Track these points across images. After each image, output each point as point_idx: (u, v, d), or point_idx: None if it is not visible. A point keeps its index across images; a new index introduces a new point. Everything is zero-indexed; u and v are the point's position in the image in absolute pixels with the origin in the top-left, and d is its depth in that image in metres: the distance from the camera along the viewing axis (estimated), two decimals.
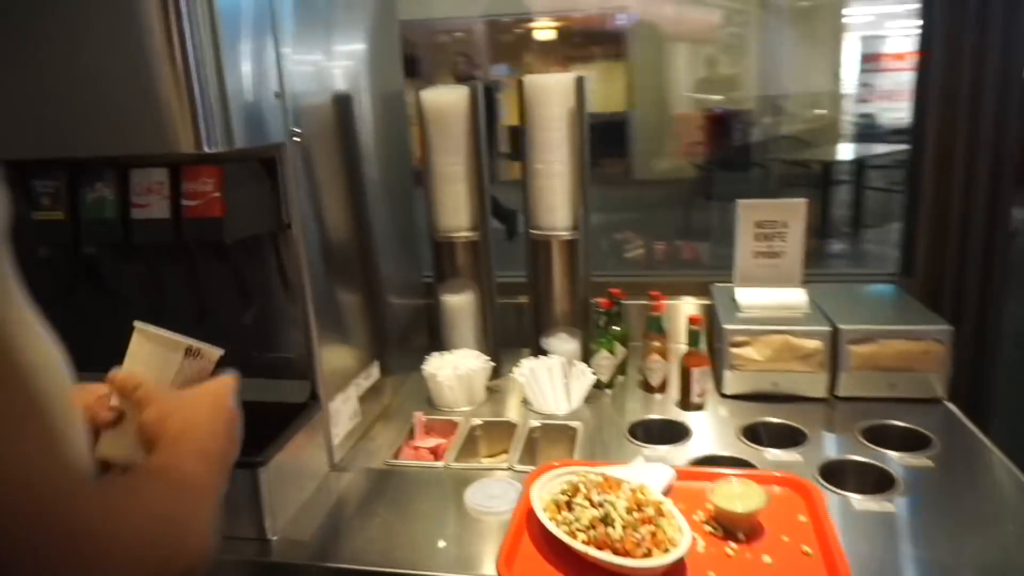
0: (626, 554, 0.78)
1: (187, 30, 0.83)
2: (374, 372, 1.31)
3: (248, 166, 0.98)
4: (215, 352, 0.64)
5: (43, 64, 0.88)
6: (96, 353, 0.62)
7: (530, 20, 5.07)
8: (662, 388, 1.36)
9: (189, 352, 0.61)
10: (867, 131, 5.44)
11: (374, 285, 1.33)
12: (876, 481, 1.04)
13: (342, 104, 1.20)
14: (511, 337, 1.52)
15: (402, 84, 1.48)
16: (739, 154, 4.64)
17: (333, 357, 1.15)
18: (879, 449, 1.11)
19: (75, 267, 1.05)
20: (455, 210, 1.40)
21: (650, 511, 0.83)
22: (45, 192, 0.96)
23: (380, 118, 1.35)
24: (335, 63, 1.19)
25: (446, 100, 1.35)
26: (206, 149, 0.87)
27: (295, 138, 1.03)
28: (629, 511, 0.82)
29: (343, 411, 1.18)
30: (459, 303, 1.44)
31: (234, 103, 0.90)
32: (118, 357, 0.62)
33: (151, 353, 0.61)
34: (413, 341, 1.53)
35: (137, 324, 0.61)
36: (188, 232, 0.93)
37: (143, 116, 0.86)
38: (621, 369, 1.39)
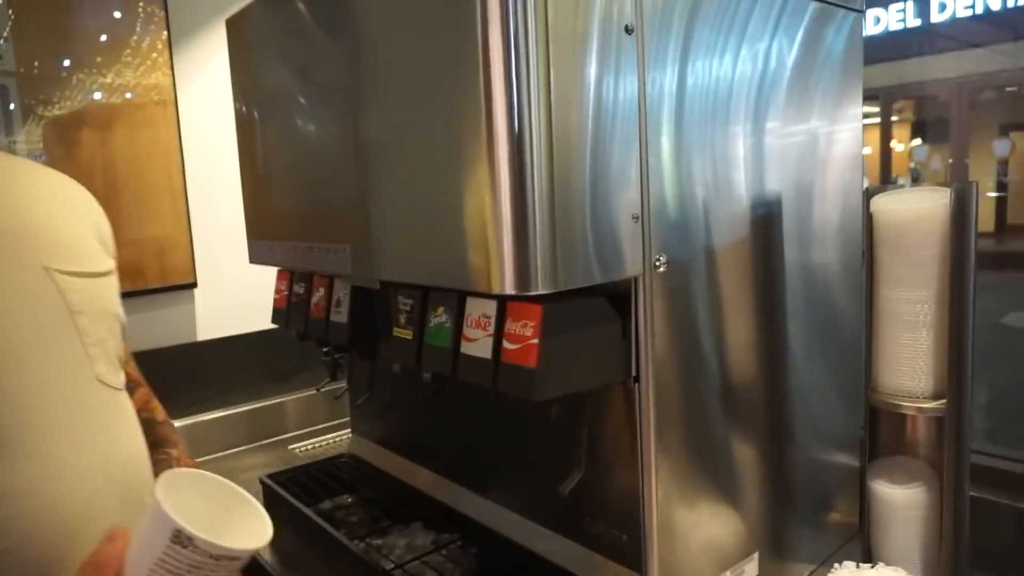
0: None
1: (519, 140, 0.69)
2: (749, 569, 0.97)
3: (587, 304, 0.79)
4: (219, 548, 0.49)
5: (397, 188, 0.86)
6: None
7: None
8: None
9: (178, 538, 0.48)
10: None
11: (774, 449, 0.99)
12: None
13: (758, 217, 0.91)
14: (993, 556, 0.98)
15: (860, 181, 1.10)
16: None
17: (683, 546, 0.87)
18: None
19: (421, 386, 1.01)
20: (911, 366, 0.95)
21: None
22: (403, 309, 0.93)
23: (822, 231, 1.01)
24: (755, 158, 0.91)
25: (912, 209, 0.93)
26: (509, 290, 0.71)
27: (658, 267, 0.79)
28: None
29: None
30: (900, 498, 0.99)
31: (565, 233, 0.72)
32: None
33: (148, 518, 0.52)
34: (826, 518, 1.11)
35: (166, 475, 0.53)
36: (502, 380, 0.78)
37: (464, 244, 0.75)
38: None
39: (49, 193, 0.73)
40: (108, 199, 1.53)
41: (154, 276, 1.62)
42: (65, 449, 0.60)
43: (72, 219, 0.73)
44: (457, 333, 0.84)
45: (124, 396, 0.71)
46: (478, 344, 0.81)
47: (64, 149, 1.50)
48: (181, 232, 1.64)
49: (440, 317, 0.87)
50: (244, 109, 1.21)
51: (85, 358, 0.65)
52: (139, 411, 0.78)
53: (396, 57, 0.83)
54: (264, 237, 1.19)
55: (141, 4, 1.56)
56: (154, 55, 1.58)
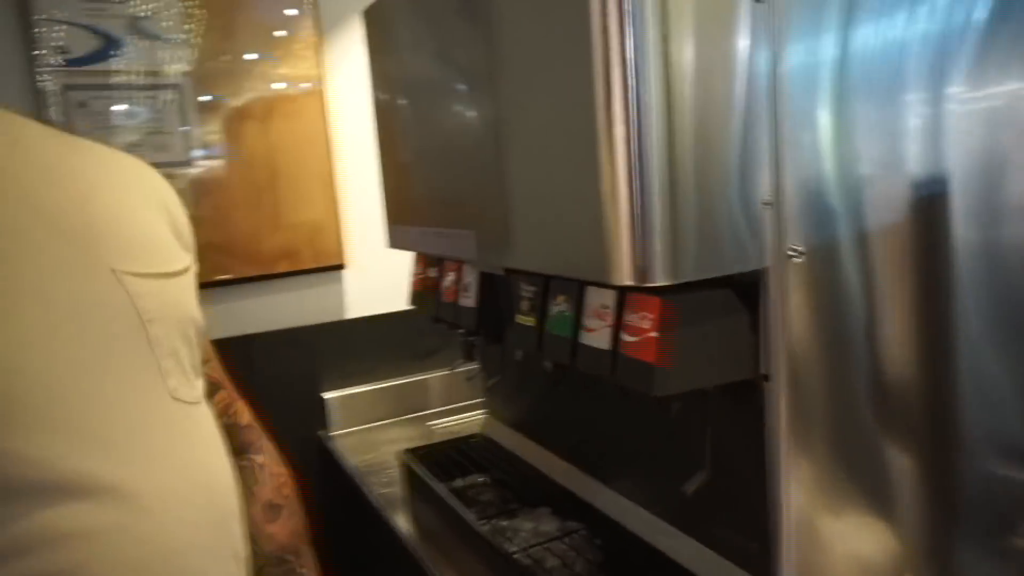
0: None
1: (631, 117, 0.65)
2: None
3: (712, 297, 0.74)
4: None
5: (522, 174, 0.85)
6: None
7: None
8: None
9: None
10: None
11: (939, 458, 0.88)
12: None
13: (929, 195, 0.81)
14: None
15: None
16: None
17: (822, 560, 0.80)
18: None
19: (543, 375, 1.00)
20: None
21: None
22: (526, 296, 0.92)
23: (1018, 208, 0.88)
24: (931, 128, 0.80)
25: None
26: (626, 281, 0.68)
27: (794, 258, 0.73)
28: None
29: None
30: None
31: (686, 221, 0.68)
32: None
33: None
34: (1007, 543, 0.98)
35: None
36: (621, 373, 0.75)
37: (581, 232, 0.73)
38: None
39: (115, 179, 0.63)
40: (269, 186, 1.67)
41: (307, 258, 1.73)
42: (150, 479, 0.51)
43: (141, 209, 0.63)
44: (577, 322, 0.82)
45: (201, 410, 0.62)
46: (598, 335, 0.79)
47: (231, 140, 1.63)
48: (332, 217, 1.74)
49: (561, 306, 0.86)
50: (381, 98, 1.25)
51: (158, 373, 0.56)
52: (220, 415, 0.71)
53: (515, 39, 0.82)
54: (400, 222, 1.23)
55: (295, 4, 1.65)
56: (305, 47, 1.68)
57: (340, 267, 1.77)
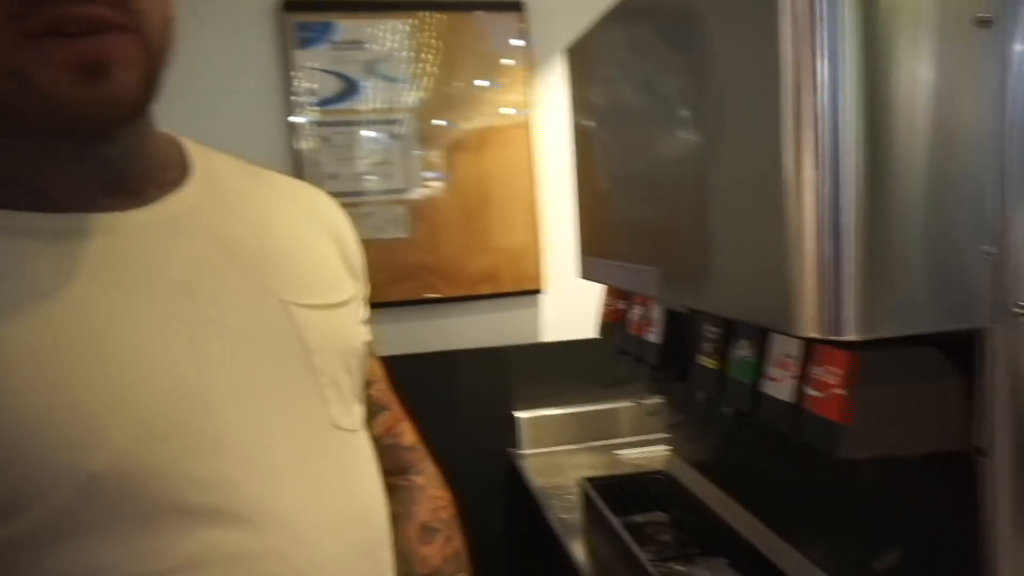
0: None
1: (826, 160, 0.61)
2: None
3: (914, 355, 0.66)
4: None
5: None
6: None
7: None
8: None
9: None
10: None
11: None
12: None
13: None
14: None
15: None
16: None
17: None
18: None
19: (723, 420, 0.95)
20: None
21: None
22: (709, 338, 0.89)
23: None
24: None
25: None
26: (812, 334, 0.63)
27: (1021, 315, 0.63)
28: None
29: None
30: None
31: (886, 270, 0.62)
32: None
33: None
34: None
35: None
36: (803, 429, 0.70)
37: (766, 277, 0.69)
38: None
39: (291, 208, 0.64)
40: (478, 212, 1.78)
41: (508, 281, 1.81)
42: (305, 506, 0.52)
43: (314, 239, 0.64)
44: (759, 369, 0.78)
45: (359, 437, 0.62)
46: (780, 385, 0.74)
47: (448, 168, 1.77)
48: (533, 243, 1.81)
49: (743, 350, 0.82)
50: (579, 131, 1.29)
51: (320, 402, 0.56)
52: (383, 436, 0.72)
53: (707, 69, 0.80)
54: (591, 254, 1.25)
55: (509, 39, 1.76)
56: (517, 81, 1.77)
57: (538, 291, 1.83)
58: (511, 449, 1.81)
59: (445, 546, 0.73)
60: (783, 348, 0.74)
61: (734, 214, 0.77)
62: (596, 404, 1.84)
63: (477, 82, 1.76)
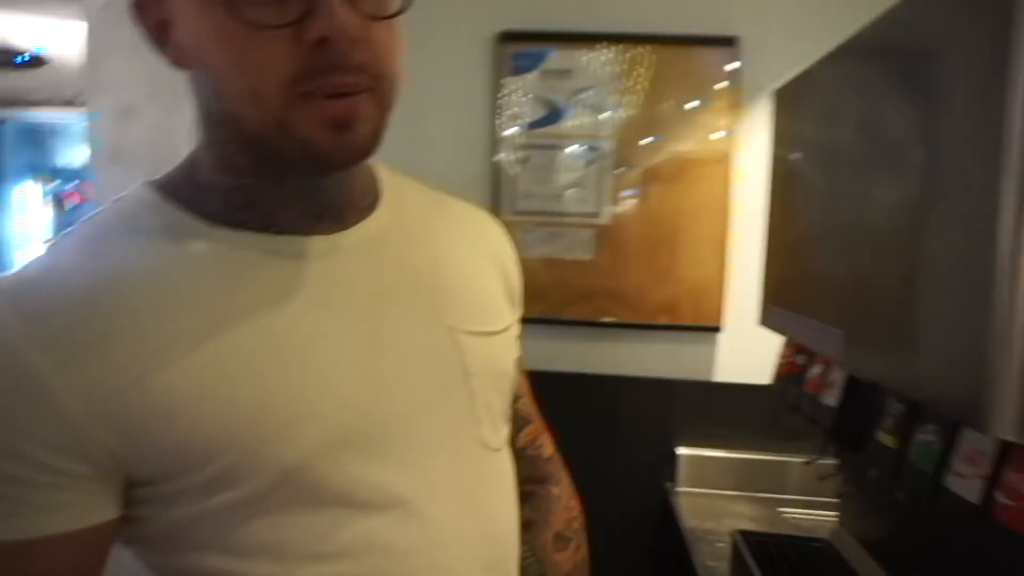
0: None
1: None
2: None
3: None
4: None
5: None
6: None
7: None
8: None
9: None
10: None
11: None
12: None
13: None
14: None
15: None
16: None
17: None
18: None
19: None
20: None
21: None
22: (892, 414, 0.84)
23: None
24: None
25: None
26: (1008, 436, 0.58)
27: None
28: None
29: None
30: None
31: None
32: None
33: None
34: None
35: None
36: (992, 542, 0.64)
37: (951, 361, 0.64)
38: None
39: (464, 236, 0.70)
40: (668, 241, 1.78)
41: (687, 314, 1.79)
42: (448, 515, 0.58)
43: (481, 268, 0.70)
44: (944, 460, 0.72)
45: (502, 455, 0.67)
46: (966, 483, 0.68)
47: (640, 197, 1.78)
48: (718, 279, 1.78)
49: (929, 435, 0.76)
50: (777, 175, 1.25)
51: (473, 421, 0.62)
52: (526, 447, 0.77)
53: (920, 121, 0.76)
54: (775, 301, 1.21)
55: (719, 74, 1.74)
56: (721, 121, 1.74)
57: (717, 329, 1.79)
58: (668, 484, 1.78)
59: (575, 554, 0.77)
60: (975, 443, 0.68)
61: (938, 285, 0.72)
62: (764, 454, 1.76)
63: (679, 115, 1.76)
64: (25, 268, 0.52)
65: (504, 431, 0.68)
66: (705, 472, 1.77)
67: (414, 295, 0.61)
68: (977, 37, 0.66)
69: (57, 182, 1.97)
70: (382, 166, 0.67)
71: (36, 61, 1.75)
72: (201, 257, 0.53)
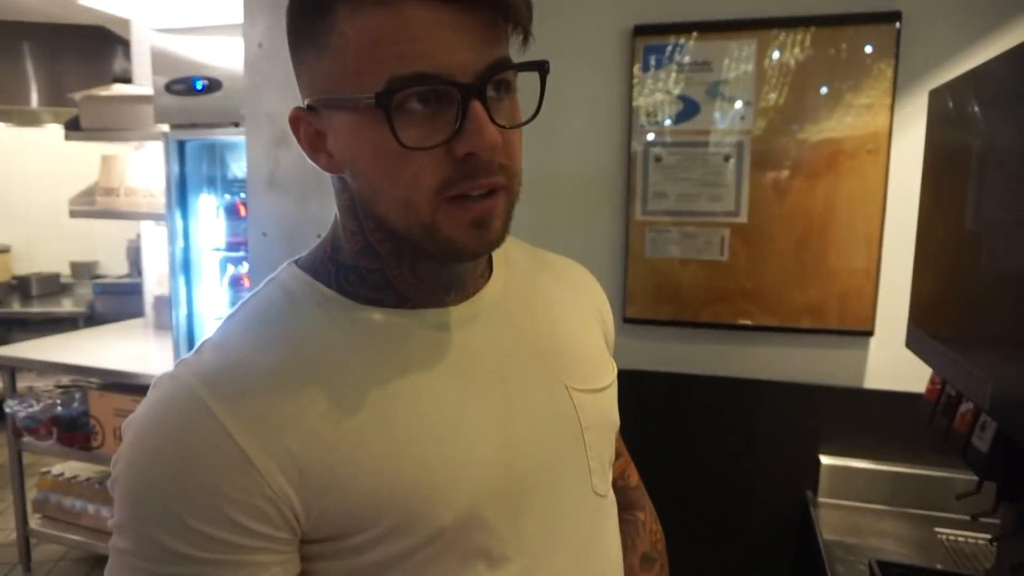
0: None
1: None
2: None
3: None
4: None
5: None
6: None
7: None
8: None
9: None
10: None
11: None
12: None
13: None
14: None
15: None
16: None
17: None
18: None
19: None
20: None
21: None
22: None
23: None
24: None
25: None
26: None
27: None
28: None
29: None
30: None
31: None
32: None
33: None
34: None
35: None
36: None
37: None
38: None
39: (571, 296, 0.76)
40: (814, 240, 1.68)
41: (833, 318, 1.69)
42: (568, 560, 0.65)
43: (587, 325, 0.76)
44: None
45: (609, 500, 0.72)
46: None
47: (780, 194, 1.69)
48: (868, 280, 1.66)
49: None
50: (930, 180, 1.14)
51: (587, 471, 0.68)
52: (616, 479, 0.82)
53: None
54: (921, 325, 1.12)
55: (875, 56, 1.59)
56: (876, 108, 1.60)
57: (868, 333, 1.68)
58: (809, 493, 1.71)
59: (660, 572, 0.82)
60: None
61: None
62: (920, 467, 1.64)
63: (829, 102, 1.64)
64: (207, 351, 0.59)
65: (610, 477, 0.73)
66: (851, 483, 1.68)
67: (534, 357, 0.67)
68: None
69: (228, 196, 2.20)
70: None
71: (211, 86, 1.95)
72: (357, 335, 0.60)
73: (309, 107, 0.58)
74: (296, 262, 0.65)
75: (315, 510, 0.55)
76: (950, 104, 1.08)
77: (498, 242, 0.57)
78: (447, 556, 0.58)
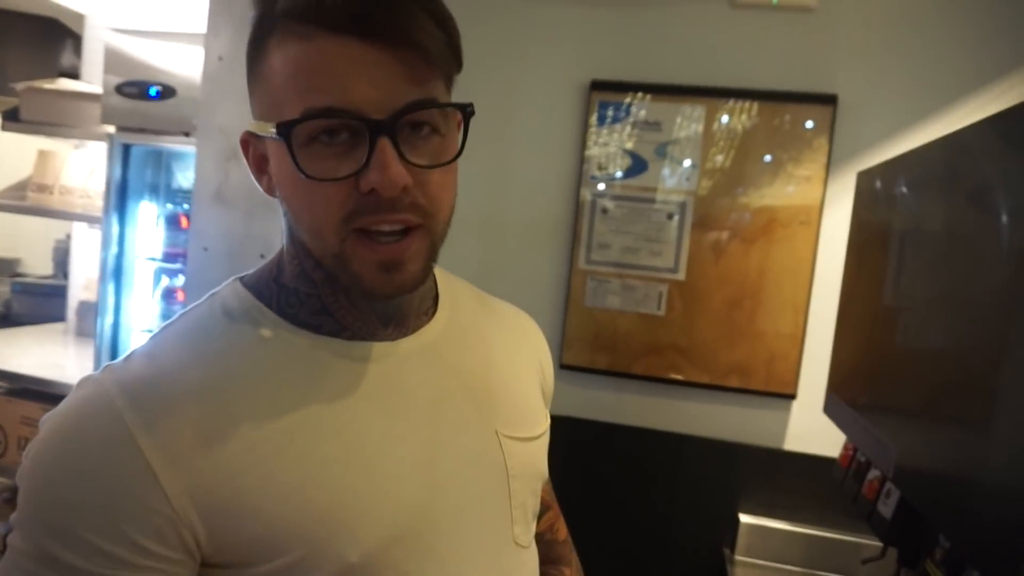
0: None
1: None
2: None
3: None
4: None
5: None
6: None
7: None
8: None
9: None
10: None
11: None
12: None
13: None
14: None
15: None
16: None
17: None
18: None
19: None
20: None
21: None
22: (942, 546, 0.80)
23: None
24: None
25: None
26: None
27: None
28: None
29: None
30: None
31: None
32: None
33: None
34: None
35: None
36: None
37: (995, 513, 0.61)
38: None
39: (509, 340, 0.76)
40: (737, 304, 1.75)
41: (759, 379, 1.75)
42: None
43: (525, 373, 0.75)
44: None
45: (530, 553, 0.71)
46: None
47: (715, 257, 1.76)
48: (794, 346, 1.72)
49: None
50: (853, 255, 1.21)
51: (509, 520, 0.66)
52: (544, 532, 0.82)
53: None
54: (838, 392, 1.17)
55: (812, 133, 1.69)
56: (812, 181, 1.69)
57: (791, 397, 1.74)
58: (727, 550, 1.74)
59: None
60: None
61: (1007, 428, 0.68)
62: (834, 531, 1.69)
63: (768, 173, 1.72)
64: (136, 360, 0.57)
65: (533, 528, 0.72)
66: (767, 543, 1.72)
67: (466, 399, 0.66)
68: None
69: (171, 206, 2.15)
70: (438, 269, 0.72)
71: (166, 92, 1.92)
72: (288, 361, 0.59)
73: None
74: (241, 279, 0.64)
75: (218, 534, 0.53)
76: (877, 185, 1.15)
77: (414, 284, 0.57)
78: None
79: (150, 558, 0.51)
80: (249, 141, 0.60)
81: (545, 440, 0.74)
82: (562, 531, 0.86)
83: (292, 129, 0.52)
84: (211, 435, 0.54)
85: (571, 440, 1.82)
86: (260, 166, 0.60)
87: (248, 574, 0.54)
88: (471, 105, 0.57)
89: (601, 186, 1.80)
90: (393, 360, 0.63)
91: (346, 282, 0.57)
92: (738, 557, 1.72)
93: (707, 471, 1.78)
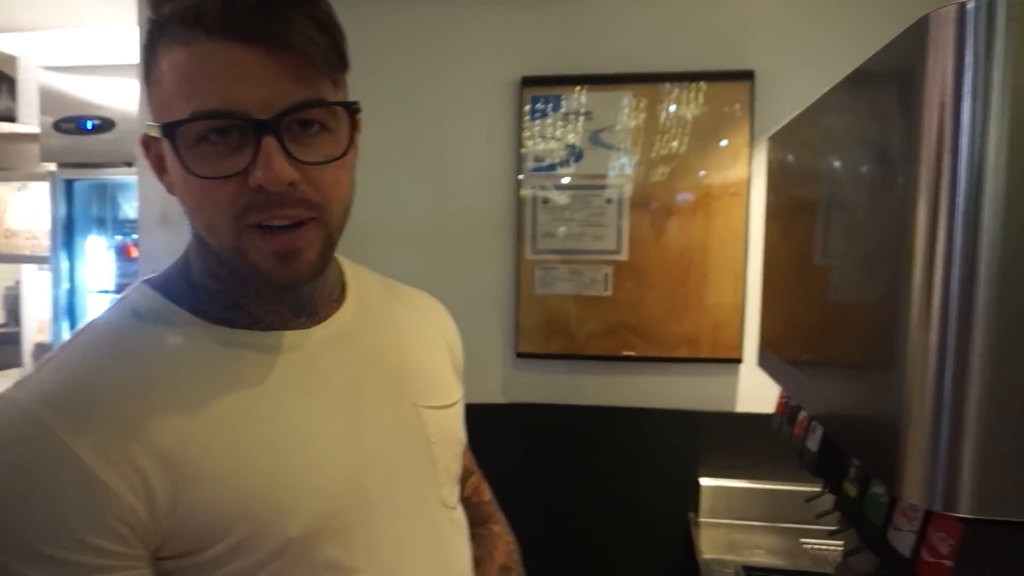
0: None
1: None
2: None
3: None
4: None
5: None
6: None
7: None
8: None
9: None
10: None
11: None
12: None
13: None
14: None
15: None
16: None
17: None
18: None
19: None
20: None
21: None
22: (855, 464, 0.88)
23: None
24: None
25: None
26: (919, 504, 0.62)
27: None
28: None
29: None
30: None
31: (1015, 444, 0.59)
32: None
33: None
34: None
35: None
36: None
37: (877, 430, 0.68)
38: None
39: (417, 320, 0.81)
40: (686, 276, 1.83)
41: (706, 348, 1.83)
42: (417, 572, 0.67)
43: (435, 352, 0.80)
44: (890, 514, 0.76)
45: (458, 512, 0.77)
46: (902, 537, 0.72)
47: (657, 234, 1.84)
48: (735, 312, 1.81)
49: (880, 487, 0.80)
50: (769, 218, 1.29)
51: (435, 484, 0.71)
52: (471, 495, 0.87)
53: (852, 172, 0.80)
54: (768, 345, 1.25)
55: (734, 109, 1.78)
56: (738, 155, 1.78)
57: (737, 361, 1.82)
58: (691, 515, 1.82)
59: None
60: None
61: (866, 343, 0.75)
62: (788, 484, 1.77)
63: (697, 150, 1.80)
64: (48, 372, 0.58)
65: (458, 490, 0.78)
66: (729, 502, 1.80)
67: (383, 377, 0.71)
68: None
69: (119, 237, 2.16)
70: (343, 259, 0.77)
71: (103, 126, 1.94)
72: (205, 355, 0.62)
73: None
74: (148, 281, 0.66)
75: (164, 526, 0.55)
76: (780, 150, 1.23)
77: (311, 272, 0.60)
78: (296, 570, 0.59)
79: (113, 558, 0.53)
80: (150, 143, 0.61)
81: (459, 408, 0.80)
82: (486, 493, 0.91)
83: (177, 129, 0.55)
84: (145, 430, 0.55)
85: (533, 425, 1.88)
86: (159, 167, 0.62)
87: (197, 561, 0.57)
88: (357, 103, 0.60)
89: (540, 178, 1.87)
90: (309, 347, 0.66)
91: (246, 274, 0.60)
92: (702, 519, 1.79)
93: (666, 441, 1.85)
